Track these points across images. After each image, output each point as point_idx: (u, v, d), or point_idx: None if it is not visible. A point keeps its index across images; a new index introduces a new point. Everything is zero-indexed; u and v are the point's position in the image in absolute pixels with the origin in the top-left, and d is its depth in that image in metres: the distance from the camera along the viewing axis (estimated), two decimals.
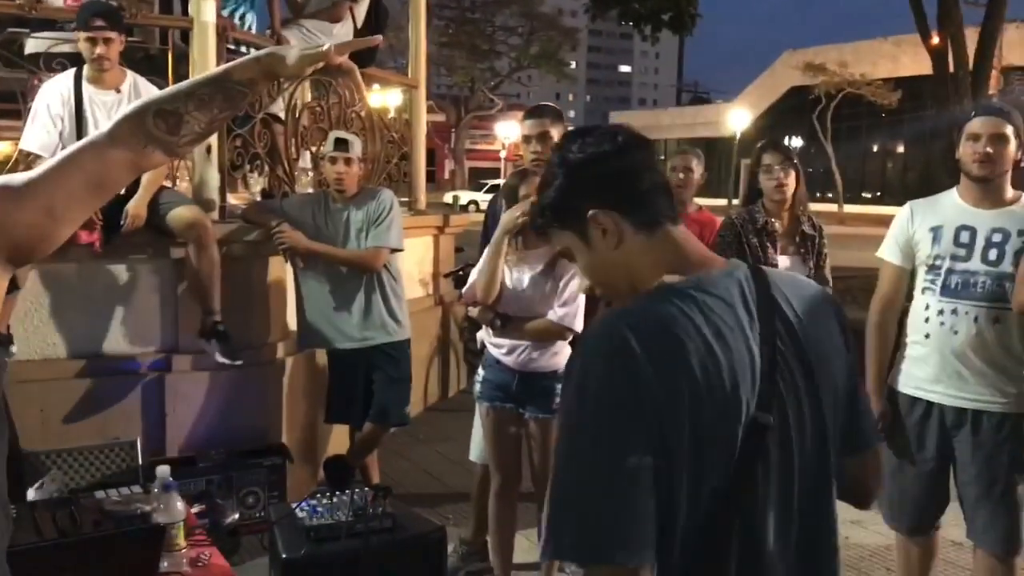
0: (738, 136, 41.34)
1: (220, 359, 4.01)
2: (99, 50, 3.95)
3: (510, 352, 3.40)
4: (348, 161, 4.16)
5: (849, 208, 37.72)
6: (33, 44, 4.79)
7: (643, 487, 1.18)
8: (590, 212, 1.35)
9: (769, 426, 1.27)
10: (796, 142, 48.76)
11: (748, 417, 1.25)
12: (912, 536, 3.20)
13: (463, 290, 3.61)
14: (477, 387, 3.54)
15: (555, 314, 3.32)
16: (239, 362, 4.08)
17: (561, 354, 3.42)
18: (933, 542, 3.23)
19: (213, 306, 4.04)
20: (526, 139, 3.85)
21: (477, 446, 3.89)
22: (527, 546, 3.76)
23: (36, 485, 3.17)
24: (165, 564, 2.15)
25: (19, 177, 1.32)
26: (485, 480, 3.73)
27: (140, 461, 3.90)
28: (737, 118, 43.61)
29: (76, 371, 4.18)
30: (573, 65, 51.79)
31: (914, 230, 3.09)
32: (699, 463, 1.21)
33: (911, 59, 34.62)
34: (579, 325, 3.30)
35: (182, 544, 2.23)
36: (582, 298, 3.34)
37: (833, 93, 37.09)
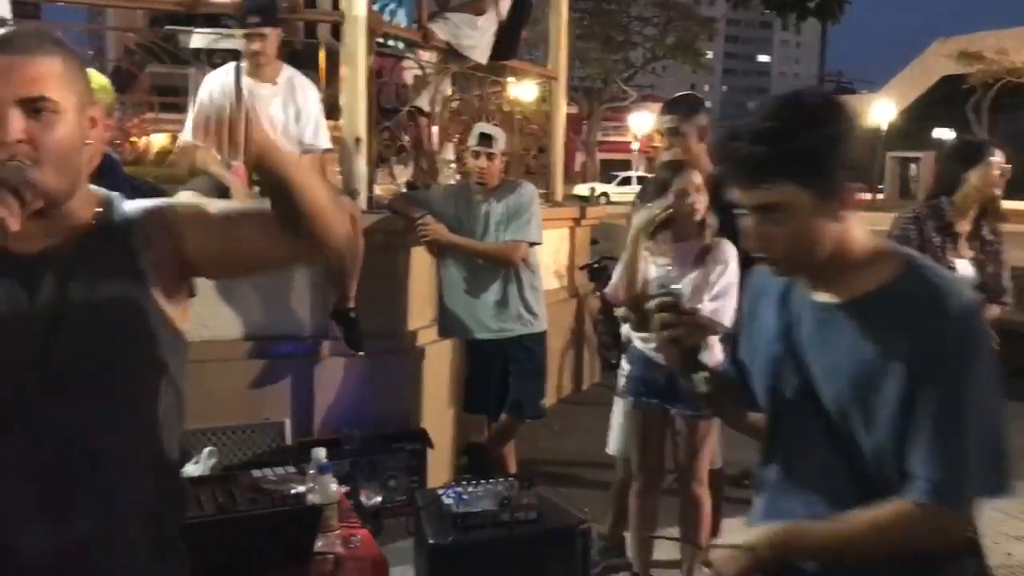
0: (884, 128, 39.54)
1: (345, 347, 4.12)
2: (255, 46, 4.10)
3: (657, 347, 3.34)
4: (491, 156, 4.19)
5: (1008, 205, 35.54)
6: (196, 39, 5.02)
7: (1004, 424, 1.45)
8: (845, 177, 1.45)
9: None
10: (947, 134, 46.34)
11: None
12: None
13: (606, 289, 3.57)
14: (622, 382, 3.50)
15: (704, 308, 3.25)
16: (361, 352, 4.18)
17: (711, 350, 3.33)
18: None
19: (349, 292, 4.15)
20: (660, 133, 3.82)
21: (616, 439, 3.85)
22: (667, 544, 3.70)
23: (192, 461, 3.32)
24: (319, 544, 2.21)
25: (214, 208, 1.43)
26: (624, 474, 3.70)
27: (289, 442, 4.05)
28: (883, 109, 41.71)
29: (230, 353, 4.36)
30: (710, 55, 50.70)
31: None
32: None
33: None
34: (729, 320, 3.21)
35: (335, 525, 2.29)
36: (734, 292, 3.25)
37: (990, 82, 34.98)
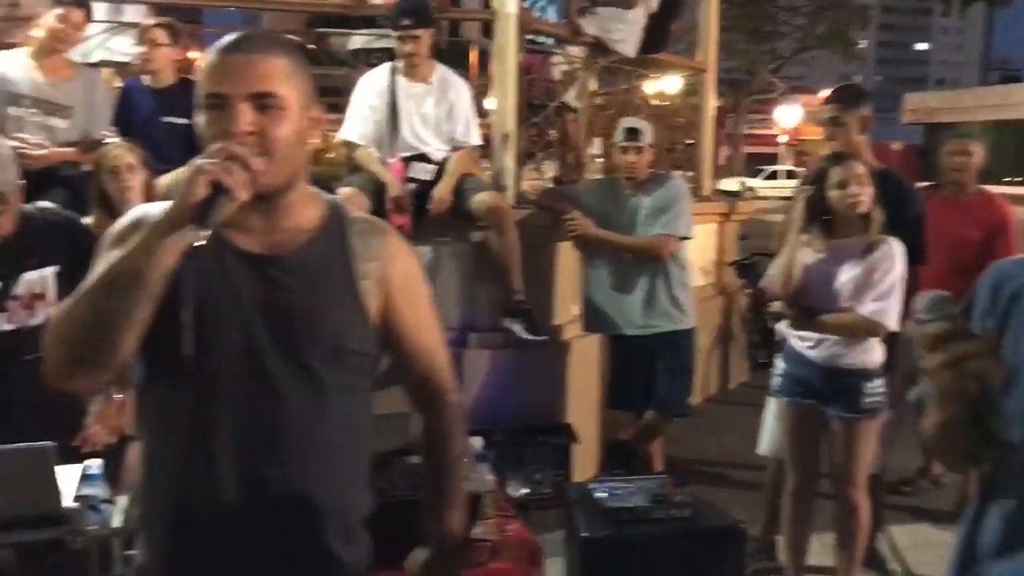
0: None
1: (525, 336, 4.16)
2: (408, 47, 4.21)
3: (815, 346, 3.24)
4: (639, 150, 4.16)
5: None
6: (354, 41, 5.20)
7: None
8: None
9: None
10: None
11: None
12: None
13: (762, 282, 3.48)
14: (776, 381, 3.41)
15: (867, 308, 3.13)
16: (544, 337, 4.21)
17: (872, 351, 3.21)
18: None
19: (515, 286, 4.20)
20: (820, 122, 3.71)
21: (768, 440, 3.75)
22: (819, 548, 3.59)
23: None
24: (476, 531, 2.26)
25: (421, 314, 1.63)
26: (777, 475, 3.60)
27: None
28: None
29: None
30: (862, 45, 48.61)
31: None
32: None
33: None
34: (893, 322, 3.08)
35: (491, 514, 2.34)
36: (899, 293, 3.12)
37: None
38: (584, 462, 4.67)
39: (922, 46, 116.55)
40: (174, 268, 1.34)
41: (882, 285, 3.13)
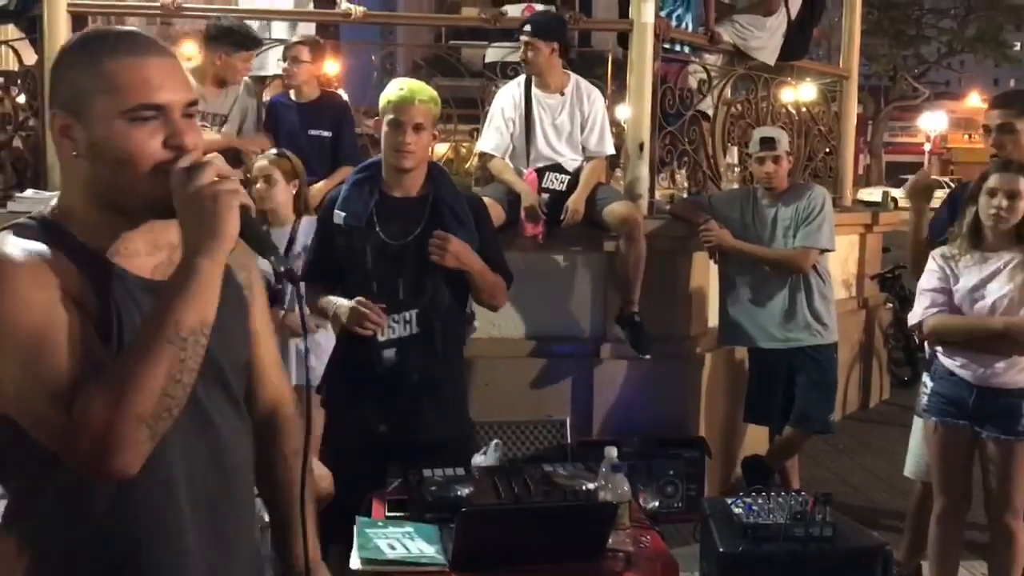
0: None
1: (632, 349, 4.14)
2: (523, 55, 4.26)
3: (967, 364, 3.09)
4: (776, 159, 4.08)
5: None
6: (491, 53, 5.29)
7: None
8: None
9: None
10: None
11: None
12: None
13: (910, 321, 3.31)
14: (924, 400, 3.26)
15: None
16: (647, 355, 4.18)
17: (1004, 375, 3.03)
18: None
19: (633, 297, 4.18)
20: (986, 129, 3.47)
21: (915, 462, 3.59)
22: None
23: (480, 452, 3.50)
24: (612, 540, 2.25)
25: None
26: (924, 499, 3.44)
27: (569, 440, 4.15)
28: None
29: (517, 351, 4.55)
30: (1017, 47, 46.00)
31: None
32: None
33: None
34: None
35: (627, 524, 2.33)
36: None
37: None
38: (718, 477, 4.59)
39: None
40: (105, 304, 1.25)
41: None
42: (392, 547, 2.28)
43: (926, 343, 3.34)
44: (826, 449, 5.21)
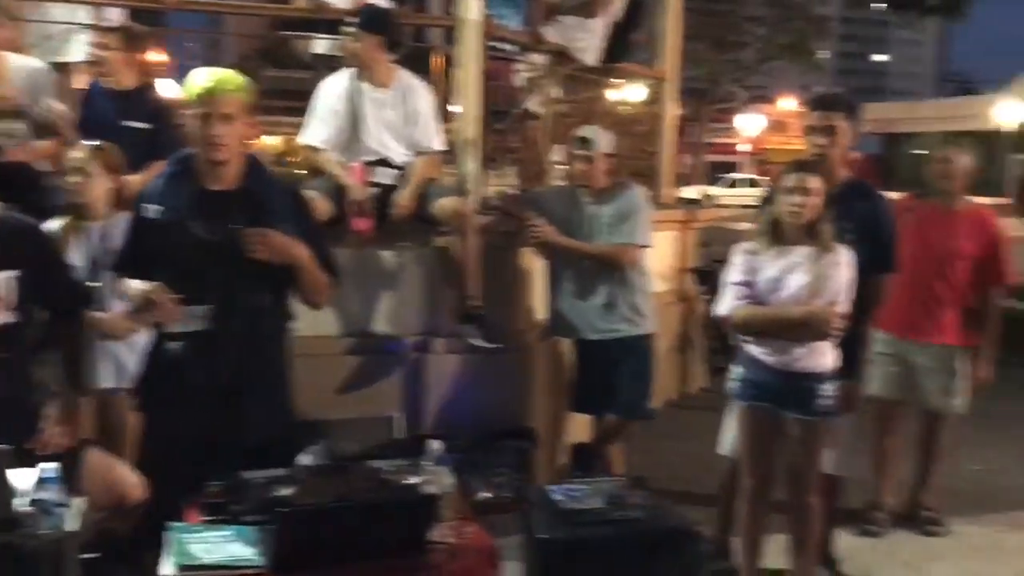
0: (1010, 129, 37.65)
1: (478, 342, 4.19)
2: (351, 47, 4.22)
3: (771, 351, 3.30)
4: (590, 158, 4.21)
5: None
6: (317, 45, 5.20)
7: None
8: None
9: None
10: None
11: None
12: None
13: (718, 314, 3.50)
14: (734, 385, 3.46)
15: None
16: (496, 345, 4.24)
17: (825, 355, 3.28)
18: None
19: (472, 291, 4.23)
20: (809, 130, 3.60)
21: (729, 441, 3.80)
22: (775, 550, 3.64)
23: (308, 451, 3.44)
24: (434, 533, 2.27)
25: None
26: (734, 477, 3.65)
27: (399, 436, 4.15)
28: (1008, 110, 39.73)
29: (344, 348, 4.49)
30: (826, 55, 49.25)
31: None
32: None
33: None
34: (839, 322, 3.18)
35: (450, 516, 2.35)
36: (846, 299, 3.21)
37: None
38: (546, 466, 4.70)
39: (880, 57, 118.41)
40: None
41: (829, 293, 3.20)
42: (208, 552, 2.22)
43: (733, 333, 3.55)
44: (647, 436, 5.41)
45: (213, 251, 2.71)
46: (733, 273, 3.38)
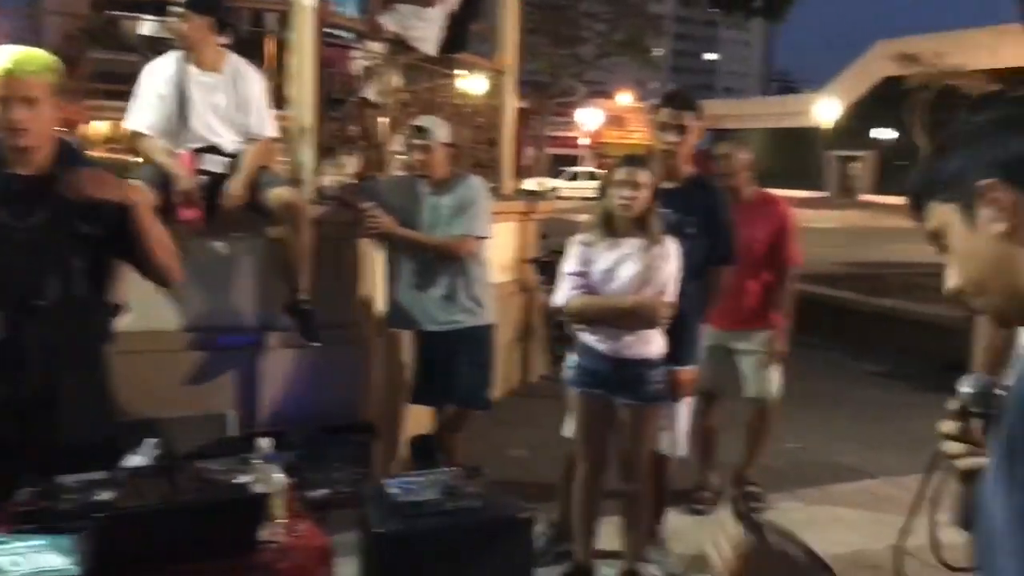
0: (827, 126, 40.30)
1: (299, 338, 4.11)
2: (180, 30, 4.05)
3: (604, 339, 3.39)
4: (428, 148, 4.19)
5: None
6: (144, 26, 4.94)
7: None
8: (982, 182, 1.08)
9: None
10: (888, 134, 47.21)
11: None
12: None
13: (554, 303, 3.57)
14: (568, 373, 3.54)
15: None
16: (317, 343, 4.17)
17: (654, 343, 3.40)
18: None
19: (300, 285, 4.14)
20: (662, 127, 3.70)
21: (571, 425, 3.87)
22: (610, 533, 3.75)
23: (135, 452, 3.29)
24: (265, 533, 2.21)
25: None
26: (572, 465, 3.74)
27: (232, 433, 4.02)
28: (824, 108, 42.51)
29: (175, 343, 4.31)
30: (660, 52, 51.04)
31: None
32: None
33: (1011, 50, 33.17)
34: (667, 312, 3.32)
35: (281, 515, 2.29)
36: (672, 289, 3.35)
37: (928, 85, 35.86)
38: (387, 459, 4.67)
39: (711, 56, 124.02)
40: None
41: (657, 283, 3.33)
42: (16, 564, 2.07)
43: (568, 322, 3.63)
44: (489, 424, 5.47)
45: (23, 241, 2.52)
46: (568, 264, 3.45)
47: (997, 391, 1.19)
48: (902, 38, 43.17)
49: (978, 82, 34.52)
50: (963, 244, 1.12)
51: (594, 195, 4.02)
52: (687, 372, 3.61)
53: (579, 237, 3.50)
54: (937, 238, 1.17)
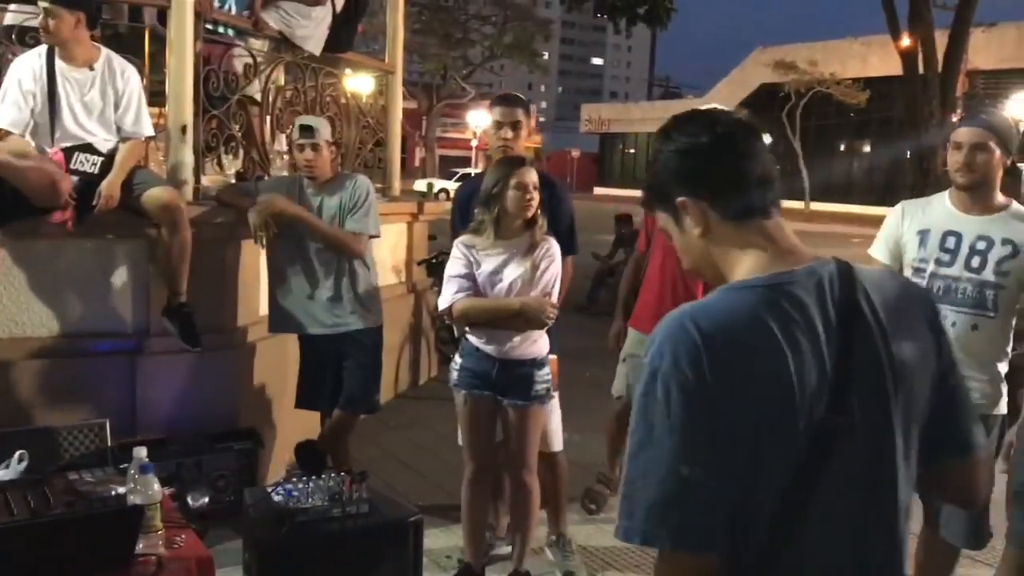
0: None
1: (180, 343, 3.99)
2: (45, 24, 3.88)
3: (490, 340, 3.41)
4: (315, 147, 4.13)
5: (816, 206, 38.16)
6: (8, 17, 4.70)
7: (708, 476, 1.21)
8: (679, 199, 1.41)
9: (837, 430, 1.26)
10: (765, 139, 48.91)
11: (815, 420, 1.25)
12: None
13: (440, 306, 3.57)
14: (454, 375, 3.54)
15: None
16: (198, 348, 4.06)
17: (540, 342, 3.44)
18: None
19: (180, 288, 4.02)
20: (497, 125, 3.86)
21: None
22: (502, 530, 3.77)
23: (2, 465, 3.13)
24: (141, 545, 2.14)
25: None
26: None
27: (109, 443, 3.87)
28: None
29: (45, 351, 4.13)
30: (546, 56, 51.67)
31: (903, 231, 3.13)
32: (760, 461, 1.23)
33: (880, 60, 34.95)
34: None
35: (159, 526, 2.22)
36: (557, 286, 3.40)
37: (803, 91, 37.44)
38: (274, 466, 4.58)
39: (597, 61, 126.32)
40: None
41: (545, 281, 3.38)
42: None
43: (454, 324, 3.63)
44: (378, 427, 5.44)
45: None
46: (454, 266, 3.46)
47: None
48: (779, 46, 44.97)
49: (849, 89, 36.29)
50: (679, 241, 1.47)
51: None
52: (553, 362, 3.65)
53: (462, 239, 3.51)
54: (665, 233, 1.50)
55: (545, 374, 3.46)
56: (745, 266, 1.37)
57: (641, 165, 60.06)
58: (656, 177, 1.46)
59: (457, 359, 3.56)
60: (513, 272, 3.39)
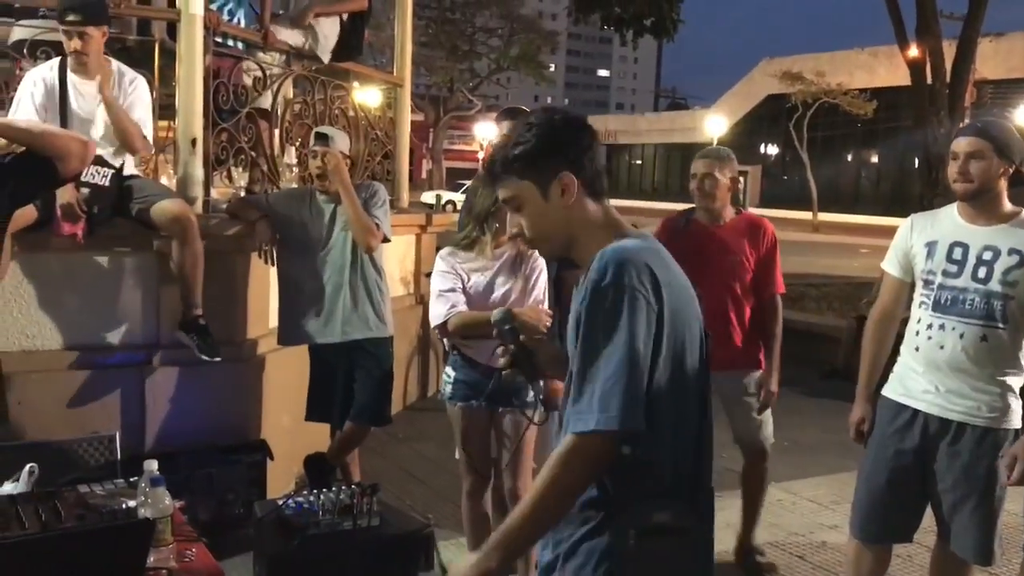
0: (715, 142, 41.57)
1: (199, 355, 3.98)
2: (74, 44, 3.90)
3: (484, 352, 3.39)
4: (331, 155, 4.12)
5: (823, 216, 38.11)
6: (18, 32, 4.73)
7: (644, 370, 1.59)
8: (562, 173, 1.69)
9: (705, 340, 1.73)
10: (772, 150, 49.03)
11: (702, 332, 1.73)
12: (871, 543, 3.20)
13: (432, 322, 3.54)
14: (448, 389, 3.52)
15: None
16: (218, 359, 4.05)
17: None
18: (887, 553, 3.25)
19: (195, 300, 4.02)
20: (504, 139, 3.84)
21: None
22: None
23: (12, 478, 3.13)
24: (152, 559, 2.13)
25: None
26: None
27: (119, 456, 3.86)
28: (714, 124, 43.87)
29: (55, 363, 4.13)
30: (552, 68, 51.81)
31: (912, 243, 3.10)
32: (680, 365, 1.65)
33: (886, 70, 34.97)
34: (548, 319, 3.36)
35: (169, 539, 2.21)
36: (547, 294, 3.41)
37: (809, 102, 37.43)
38: (283, 479, 4.57)
39: (604, 72, 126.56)
40: None
41: (537, 291, 3.40)
42: None
43: (446, 340, 3.61)
44: (387, 439, 5.43)
45: None
46: (443, 281, 3.43)
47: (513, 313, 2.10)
48: (785, 57, 45.01)
49: (856, 100, 36.26)
50: (537, 209, 1.72)
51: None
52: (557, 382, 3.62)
53: (446, 252, 3.50)
54: (509, 203, 1.76)
55: (538, 384, 3.43)
56: (605, 232, 1.72)
57: (648, 176, 60.26)
58: (534, 147, 1.69)
59: (450, 372, 3.54)
60: (504, 285, 3.40)
